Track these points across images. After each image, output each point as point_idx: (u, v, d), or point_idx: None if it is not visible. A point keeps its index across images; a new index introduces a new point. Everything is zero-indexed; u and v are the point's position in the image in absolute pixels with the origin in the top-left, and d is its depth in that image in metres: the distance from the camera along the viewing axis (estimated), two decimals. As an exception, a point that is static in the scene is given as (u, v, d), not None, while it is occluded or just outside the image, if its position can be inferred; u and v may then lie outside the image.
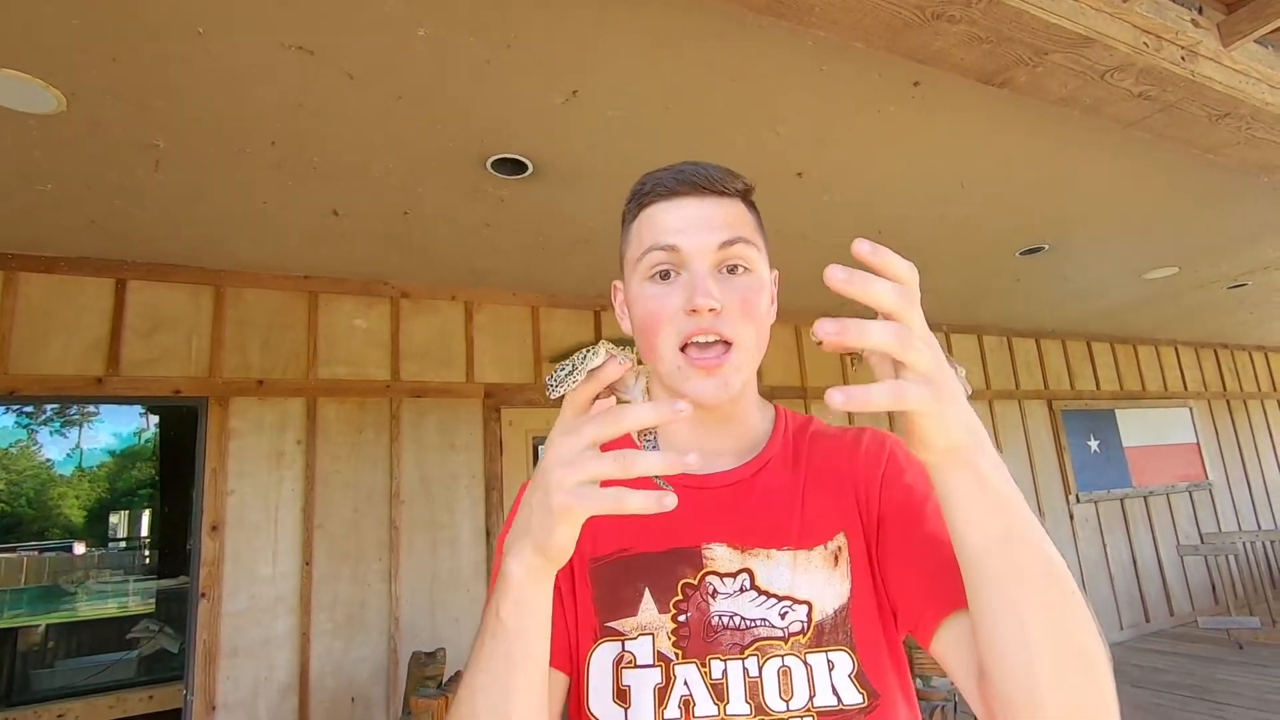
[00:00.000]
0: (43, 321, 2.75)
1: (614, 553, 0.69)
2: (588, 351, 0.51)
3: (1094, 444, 5.78)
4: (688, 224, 0.67)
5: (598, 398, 0.51)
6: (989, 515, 0.49)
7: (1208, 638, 5.34)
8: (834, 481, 0.71)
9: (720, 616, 0.65)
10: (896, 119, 2.20)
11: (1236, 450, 6.84)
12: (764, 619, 0.65)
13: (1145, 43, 1.67)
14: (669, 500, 0.45)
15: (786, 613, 0.65)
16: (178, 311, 2.98)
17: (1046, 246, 3.56)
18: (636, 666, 0.65)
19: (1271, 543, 5.99)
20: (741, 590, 0.66)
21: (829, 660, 0.64)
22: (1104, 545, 5.61)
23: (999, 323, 5.39)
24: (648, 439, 0.62)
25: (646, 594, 0.67)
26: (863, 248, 0.43)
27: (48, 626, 3.92)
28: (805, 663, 0.64)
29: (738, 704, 0.63)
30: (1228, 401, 6.94)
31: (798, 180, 2.59)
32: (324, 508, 3.08)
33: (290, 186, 2.36)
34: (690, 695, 0.64)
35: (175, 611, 3.55)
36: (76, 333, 2.79)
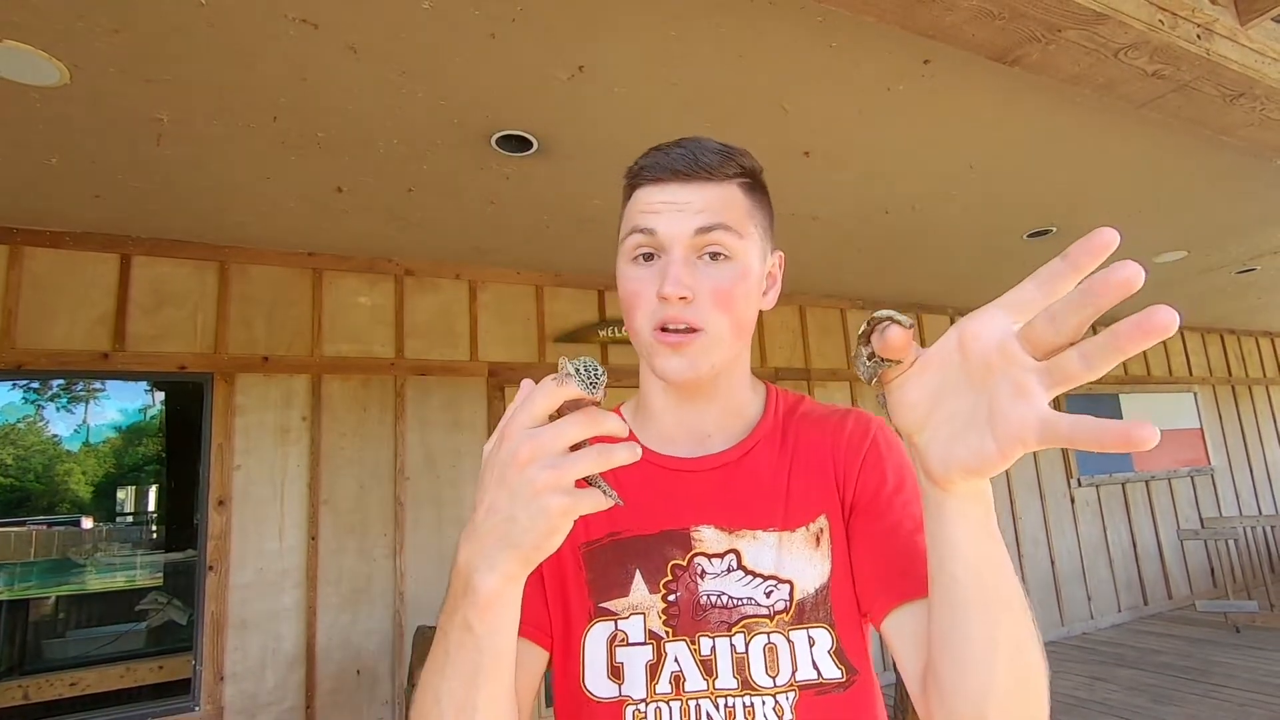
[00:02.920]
0: (49, 296, 2.76)
1: (605, 536, 0.72)
2: (592, 366, 0.47)
3: (1097, 428, 5.77)
4: (665, 208, 0.68)
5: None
6: (984, 547, 0.49)
7: (1205, 621, 5.38)
8: (818, 463, 0.73)
9: (708, 596, 0.68)
10: (906, 98, 2.18)
11: (1240, 435, 6.83)
12: (750, 598, 0.68)
13: (1160, 20, 1.65)
14: (614, 497, 0.48)
15: (771, 591, 0.68)
16: (183, 287, 2.98)
17: (1054, 229, 3.53)
18: (629, 644, 0.68)
19: (1272, 527, 6.01)
20: (729, 570, 0.69)
21: (810, 637, 0.67)
22: (1104, 529, 5.63)
23: (1004, 306, 5.36)
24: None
25: (637, 575, 0.69)
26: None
27: (58, 598, 3.97)
28: (788, 639, 0.67)
29: (726, 679, 0.66)
30: (1232, 387, 6.92)
31: (805, 159, 2.56)
32: (329, 483, 3.10)
33: (294, 161, 2.35)
34: (680, 671, 0.66)
35: (183, 584, 3.59)
36: (82, 308, 2.80)
